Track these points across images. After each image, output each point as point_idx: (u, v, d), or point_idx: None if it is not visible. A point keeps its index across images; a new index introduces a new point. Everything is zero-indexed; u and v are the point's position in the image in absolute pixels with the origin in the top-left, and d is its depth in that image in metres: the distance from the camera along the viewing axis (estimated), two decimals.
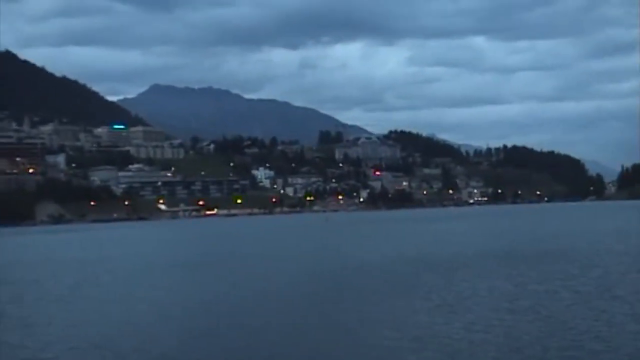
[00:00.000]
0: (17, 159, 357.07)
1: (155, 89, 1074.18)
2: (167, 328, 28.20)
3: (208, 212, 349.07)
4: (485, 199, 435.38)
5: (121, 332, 27.57)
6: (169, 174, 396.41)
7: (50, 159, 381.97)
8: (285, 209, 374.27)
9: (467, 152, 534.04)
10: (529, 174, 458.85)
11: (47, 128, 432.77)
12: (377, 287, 37.94)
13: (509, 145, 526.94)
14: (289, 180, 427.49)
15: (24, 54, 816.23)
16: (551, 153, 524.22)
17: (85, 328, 28.89)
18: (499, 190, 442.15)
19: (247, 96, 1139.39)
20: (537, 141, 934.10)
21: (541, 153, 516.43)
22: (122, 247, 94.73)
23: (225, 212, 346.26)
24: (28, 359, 23.69)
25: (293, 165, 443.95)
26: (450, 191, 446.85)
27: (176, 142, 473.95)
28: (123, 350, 24.05)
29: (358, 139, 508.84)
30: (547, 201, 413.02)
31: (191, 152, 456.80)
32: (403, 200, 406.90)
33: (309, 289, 38.81)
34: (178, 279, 48.76)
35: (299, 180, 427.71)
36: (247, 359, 22.72)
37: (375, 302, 32.61)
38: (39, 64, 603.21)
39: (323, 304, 32.72)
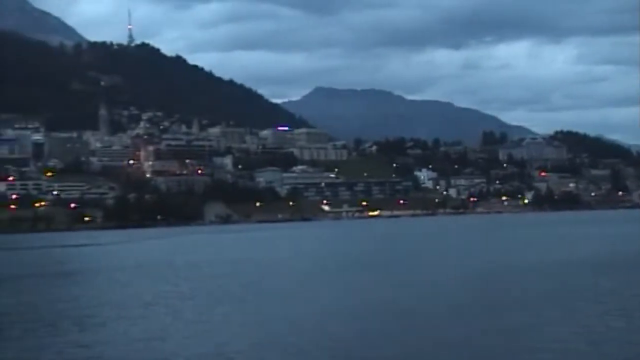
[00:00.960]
0: (187, 160, 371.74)
1: (319, 91, 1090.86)
2: (344, 327, 28.83)
3: (371, 214, 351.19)
4: None
5: (299, 330, 28.42)
6: (332, 175, 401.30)
7: (217, 160, 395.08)
8: (449, 210, 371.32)
9: (638, 153, 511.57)
10: None
11: (215, 131, 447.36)
12: (551, 290, 37.36)
13: None
14: (452, 181, 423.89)
15: (193, 59, 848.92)
16: None
17: (265, 325, 29.95)
18: None
19: (409, 97, 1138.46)
20: None
21: None
22: (290, 248, 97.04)
23: (388, 213, 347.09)
24: (212, 354, 24.72)
25: (456, 166, 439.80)
26: (620, 193, 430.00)
27: (339, 143, 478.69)
28: (303, 347, 24.81)
29: (523, 139, 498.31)
30: None
31: (354, 153, 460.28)
32: (570, 202, 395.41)
33: (478, 292, 38.66)
34: (349, 279, 49.54)
35: (462, 182, 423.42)
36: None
37: (550, 305, 32.16)
38: (207, 68, 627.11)
39: (495, 308, 32.57)
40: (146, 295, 42.17)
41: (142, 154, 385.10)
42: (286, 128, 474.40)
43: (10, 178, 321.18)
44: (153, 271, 61.99)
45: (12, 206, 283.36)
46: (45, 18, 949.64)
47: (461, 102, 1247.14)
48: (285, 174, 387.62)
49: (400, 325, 28.79)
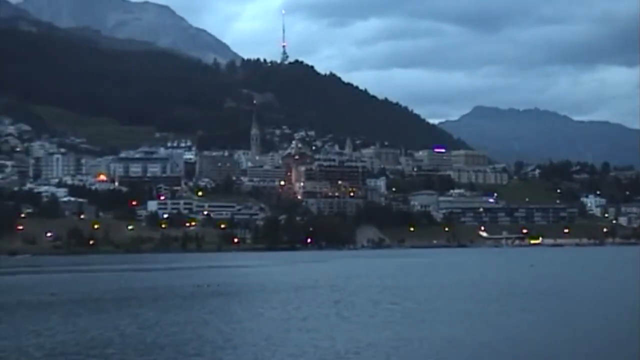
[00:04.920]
0: (339, 182, 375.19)
1: (479, 110, 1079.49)
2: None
3: (532, 241, 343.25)
4: None
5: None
6: (491, 200, 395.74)
7: (371, 182, 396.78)
8: (618, 240, 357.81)
9: None
10: None
11: (369, 151, 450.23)
12: None
13: None
14: (623, 209, 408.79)
15: (348, 77, 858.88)
16: None
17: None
18: None
19: (576, 118, 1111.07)
20: None
21: None
22: (452, 274, 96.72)
23: (550, 241, 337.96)
24: None
25: (627, 192, 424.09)
26: None
27: (499, 166, 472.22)
28: None
29: None
30: None
31: (515, 177, 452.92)
32: None
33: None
34: (517, 307, 49.20)
35: (634, 210, 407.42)
36: None
37: None
38: (362, 86, 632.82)
39: None
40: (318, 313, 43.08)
41: (294, 174, 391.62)
42: (443, 149, 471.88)
43: (162, 197, 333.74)
44: (322, 293, 63.02)
45: (163, 225, 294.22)
46: (200, 35, 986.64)
47: (634, 124, 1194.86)
48: (441, 198, 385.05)
49: None
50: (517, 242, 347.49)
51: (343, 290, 67.16)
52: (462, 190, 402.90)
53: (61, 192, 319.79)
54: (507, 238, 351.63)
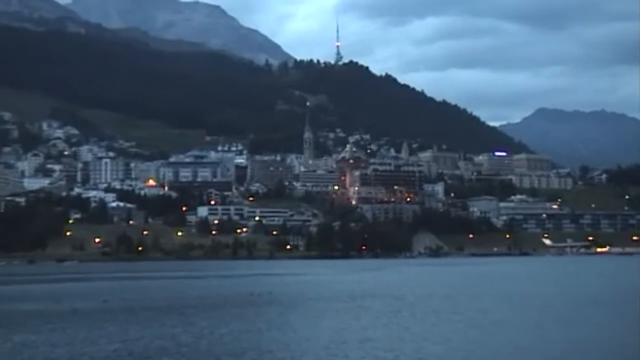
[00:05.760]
0: (395, 187, 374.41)
1: (541, 113, 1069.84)
2: None
3: (599, 250, 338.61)
4: None
5: None
6: (554, 206, 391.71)
7: (428, 187, 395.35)
8: None
9: None
10: None
11: (426, 155, 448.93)
12: None
13: None
14: None
15: (404, 78, 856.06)
16: None
17: None
18: None
19: None
20: None
21: None
22: (515, 282, 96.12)
23: (618, 249, 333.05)
24: None
25: None
26: None
27: (563, 171, 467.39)
28: None
29: None
30: None
31: (580, 182, 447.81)
32: None
33: None
34: (586, 317, 49.05)
35: None
36: None
37: None
38: (418, 88, 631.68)
39: None
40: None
41: (348, 179, 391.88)
42: (504, 153, 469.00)
43: (212, 202, 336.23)
44: (381, 302, 63.02)
45: (214, 232, 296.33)
46: (252, 36, 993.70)
47: None
48: (502, 204, 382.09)
49: None
50: (582, 250, 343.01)
51: (402, 299, 66.99)
52: (524, 196, 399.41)
53: (109, 198, 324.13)
54: (571, 246, 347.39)
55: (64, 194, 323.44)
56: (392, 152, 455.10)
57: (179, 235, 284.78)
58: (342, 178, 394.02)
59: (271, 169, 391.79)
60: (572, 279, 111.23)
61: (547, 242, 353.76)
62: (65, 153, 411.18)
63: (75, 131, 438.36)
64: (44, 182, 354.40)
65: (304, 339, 39.91)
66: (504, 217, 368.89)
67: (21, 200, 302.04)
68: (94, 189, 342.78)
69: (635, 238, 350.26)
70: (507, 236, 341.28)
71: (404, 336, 40.33)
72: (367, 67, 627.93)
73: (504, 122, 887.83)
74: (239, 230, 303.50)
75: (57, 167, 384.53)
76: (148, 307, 60.80)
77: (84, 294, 79.66)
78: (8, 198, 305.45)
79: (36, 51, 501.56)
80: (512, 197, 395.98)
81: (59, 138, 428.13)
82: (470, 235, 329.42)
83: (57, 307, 61.54)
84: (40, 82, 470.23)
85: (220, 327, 45.16)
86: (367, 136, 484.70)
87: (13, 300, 71.00)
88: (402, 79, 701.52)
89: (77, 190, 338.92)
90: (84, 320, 50.37)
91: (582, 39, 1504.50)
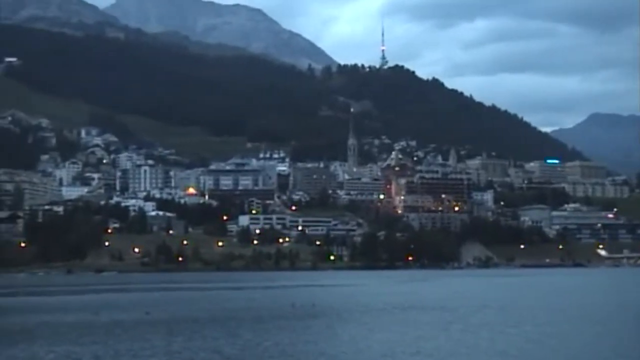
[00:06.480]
0: (443, 196, 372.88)
1: (595, 118, 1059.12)
2: None
3: None
4: None
5: None
6: (610, 215, 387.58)
7: (477, 196, 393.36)
8: None
9: None
10: None
11: (474, 162, 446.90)
12: None
13: None
14: None
15: (452, 82, 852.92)
16: None
17: None
18: None
19: None
20: None
21: None
22: (570, 294, 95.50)
23: None
24: None
25: None
26: None
27: (619, 178, 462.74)
28: None
29: None
30: None
31: (637, 190, 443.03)
32: None
33: None
34: None
35: None
36: None
37: None
38: (466, 92, 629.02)
39: None
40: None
41: (394, 187, 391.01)
42: (556, 160, 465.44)
43: (254, 211, 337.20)
44: (431, 314, 62.84)
45: (255, 241, 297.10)
46: (294, 40, 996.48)
47: None
48: (554, 213, 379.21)
49: None
50: (639, 261, 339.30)
51: (454, 311, 66.74)
52: (577, 205, 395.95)
53: (149, 206, 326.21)
54: (628, 257, 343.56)
55: (102, 202, 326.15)
56: (440, 159, 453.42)
57: (220, 245, 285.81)
58: (388, 186, 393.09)
59: (314, 176, 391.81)
60: (630, 292, 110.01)
61: (603, 253, 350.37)
62: (104, 161, 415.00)
63: (114, 138, 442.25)
64: (83, 191, 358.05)
65: (352, 352, 39.91)
66: (557, 227, 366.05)
67: (59, 209, 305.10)
68: (132, 198, 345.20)
69: None
70: (560, 247, 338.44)
71: (457, 350, 40.17)
72: (413, 72, 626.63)
73: (556, 128, 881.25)
74: (281, 240, 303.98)
75: (95, 175, 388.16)
76: (191, 318, 61.17)
77: (125, 306, 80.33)
78: (46, 207, 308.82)
79: (74, 56, 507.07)
80: (565, 206, 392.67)
81: (97, 145, 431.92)
82: (521, 246, 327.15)
83: (98, 318, 62.15)
84: (79, 88, 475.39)
85: (265, 339, 45.33)
86: (414, 143, 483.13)
87: (53, 312, 71.86)
88: (449, 83, 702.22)
89: (115, 199, 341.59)
90: (126, 332, 50.80)
91: (637, 42, 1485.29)
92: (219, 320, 59.06)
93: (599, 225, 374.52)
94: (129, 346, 42.59)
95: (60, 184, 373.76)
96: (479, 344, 42.61)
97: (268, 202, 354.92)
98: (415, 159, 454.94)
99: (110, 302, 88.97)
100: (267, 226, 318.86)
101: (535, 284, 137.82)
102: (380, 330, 51.14)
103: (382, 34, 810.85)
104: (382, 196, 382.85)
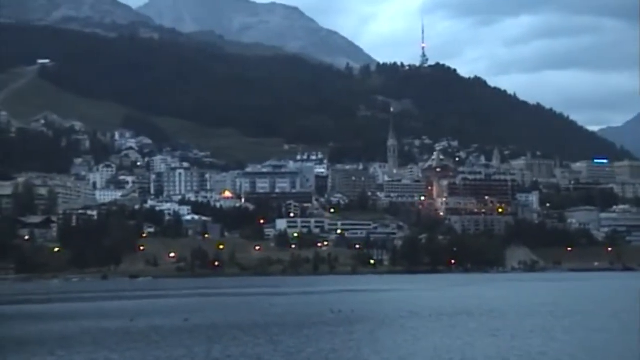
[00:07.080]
0: (486, 197, 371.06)
1: None
2: None
3: None
4: None
5: None
6: None
7: (521, 198, 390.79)
8: None
9: None
10: None
11: (519, 163, 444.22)
12: None
13: None
14: None
15: (495, 81, 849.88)
16: None
17: None
18: None
19: None
20: None
21: None
22: (624, 299, 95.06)
23: None
24: None
25: None
26: None
27: None
28: None
29: None
30: None
31: None
32: None
33: None
34: None
35: None
36: None
37: None
38: (510, 91, 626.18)
39: None
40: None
41: (435, 189, 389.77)
42: (605, 160, 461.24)
43: (292, 215, 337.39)
44: (479, 320, 62.54)
45: (293, 246, 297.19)
46: (332, 38, 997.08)
47: None
48: (603, 215, 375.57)
49: None
50: None
51: (503, 316, 66.38)
52: (627, 206, 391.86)
53: (184, 210, 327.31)
54: None
55: (137, 206, 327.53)
56: (483, 159, 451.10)
57: (257, 250, 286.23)
58: (429, 188, 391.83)
59: (353, 178, 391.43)
60: None
61: None
62: (138, 164, 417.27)
63: (148, 141, 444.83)
64: (117, 195, 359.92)
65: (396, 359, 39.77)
66: (606, 229, 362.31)
67: (93, 213, 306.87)
68: (167, 202, 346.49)
69: None
70: (609, 250, 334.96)
71: (507, 356, 39.90)
72: (454, 70, 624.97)
73: (604, 127, 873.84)
74: (319, 244, 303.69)
75: (129, 178, 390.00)
76: (230, 325, 61.36)
77: (163, 312, 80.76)
78: (80, 211, 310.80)
79: (108, 58, 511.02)
80: (614, 208, 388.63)
81: (131, 148, 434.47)
82: (569, 249, 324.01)
83: (135, 325, 62.46)
84: (112, 89, 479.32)
85: (308, 345, 45.32)
86: (455, 143, 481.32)
87: (90, 318, 72.38)
88: (492, 81, 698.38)
89: (150, 202, 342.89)
90: (164, 339, 50.99)
91: None
92: (259, 327, 59.17)
93: None
94: (168, 353, 42.76)
95: (94, 187, 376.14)
96: (530, 350, 42.25)
97: (306, 205, 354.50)
98: (457, 159, 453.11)
99: (148, 308, 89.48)
100: (305, 230, 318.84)
101: (584, 288, 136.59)
102: (425, 336, 50.92)
103: (423, 32, 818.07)
104: (423, 198, 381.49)
